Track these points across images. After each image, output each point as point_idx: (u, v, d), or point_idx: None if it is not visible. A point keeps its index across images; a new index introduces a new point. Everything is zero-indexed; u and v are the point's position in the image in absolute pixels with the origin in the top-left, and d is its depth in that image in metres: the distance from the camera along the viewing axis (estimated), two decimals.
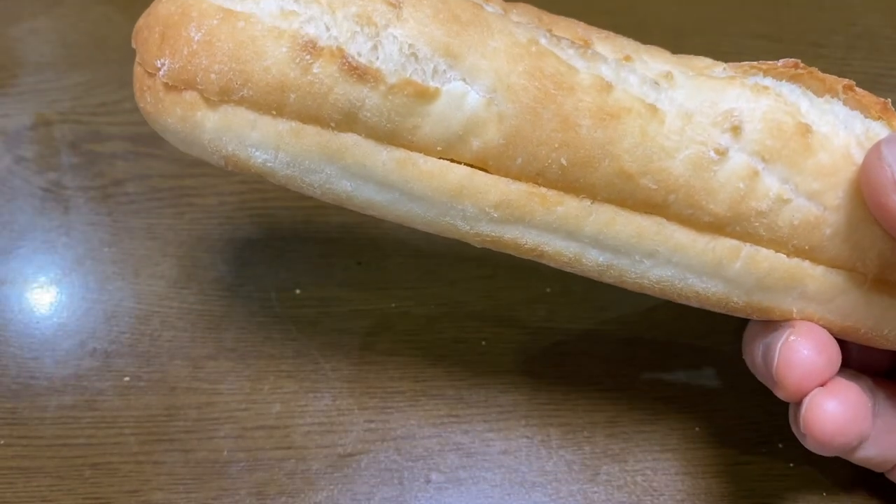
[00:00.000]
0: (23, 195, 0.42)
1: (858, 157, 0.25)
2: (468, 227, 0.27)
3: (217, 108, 0.25)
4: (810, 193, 0.25)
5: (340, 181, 0.26)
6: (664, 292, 0.28)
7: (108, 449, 0.33)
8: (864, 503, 0.32)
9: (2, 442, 0.34)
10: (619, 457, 0.33)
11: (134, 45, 0.27)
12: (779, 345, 0.26)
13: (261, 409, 0.35)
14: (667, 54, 0.28)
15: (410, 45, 0.24)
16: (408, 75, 0.24)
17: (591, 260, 0.27)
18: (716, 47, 0.45)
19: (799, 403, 0.26)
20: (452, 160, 0.26)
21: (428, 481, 0.33)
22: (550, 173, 0.25)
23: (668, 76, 0.26)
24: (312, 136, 0.25)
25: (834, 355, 0.26)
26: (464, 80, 0.25)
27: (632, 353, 0.36)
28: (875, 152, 0.24)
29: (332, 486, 0.33)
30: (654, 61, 0.27)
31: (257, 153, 0.26)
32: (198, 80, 0.25)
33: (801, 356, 0.26)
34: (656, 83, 0.26)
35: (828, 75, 0.27)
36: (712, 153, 0.25)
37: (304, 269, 0.38)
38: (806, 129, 0.25)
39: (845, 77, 0.27)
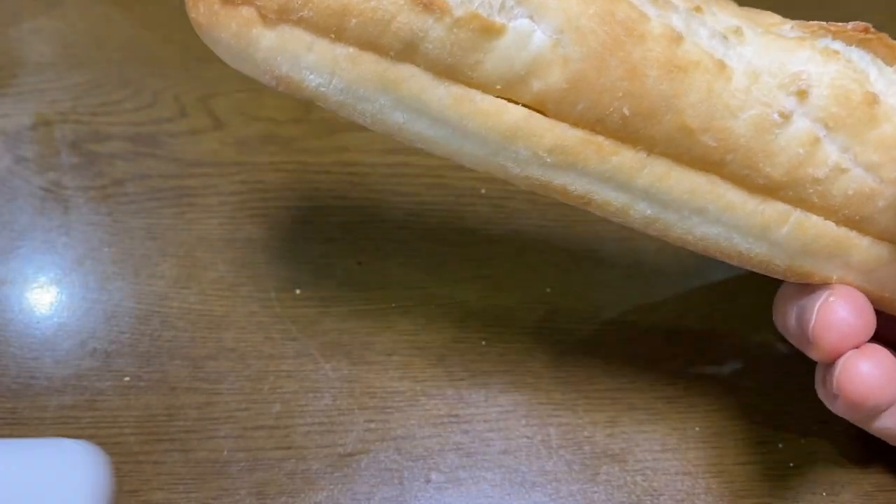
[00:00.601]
0: (23, 195, 0.42)
1: None
2: (518, 170, 0.26)
3: (274, 27, 0.24)
4: (869, 165, 0.25)
5: (393, 112, 0.25)
6: (706, 249, 0.27)
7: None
8: (864, 503, 0.32)
9: None
10: (619, 457, 0.33)
11: None
12: (817, 306, 0.26)
13: (261, 409, 0.35)
14: (735, 7, 0.27)
15: None
16: (474, 8, 0.23)
17: (639, 212, 0.26)
18: None
19: (830, 365, 0.26)
20: (511, 100, 0.25)
21: (428, 481, 0.33)
22: (610, 122, 0.25)
23: (738, 31, 0.25)
24: (370, 63, 0.24)
25: (870, 320, 0.26)
26: (531, 17, 0.24)
27: (632, 353, 0.36)
28: None
29: (332, 486, 0.33)
30: (723, 13, 0.26)
31: (311, 76, 0.25)
32: None
33: (839, 317, 0.26)
34: (725, 37, 0.25)
35: None
36: (776, 116, 0.24)
37: (304, 269, 0.38)
38: (873, 100, 0.24)
39: None
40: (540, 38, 0.24)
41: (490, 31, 0.24)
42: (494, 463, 0.33)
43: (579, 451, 0.33)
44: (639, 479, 0.32)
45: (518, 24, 0.24)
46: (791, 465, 0.33)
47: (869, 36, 0.26)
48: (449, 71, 0.24)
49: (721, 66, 0.24)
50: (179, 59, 0.48)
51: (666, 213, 0.26)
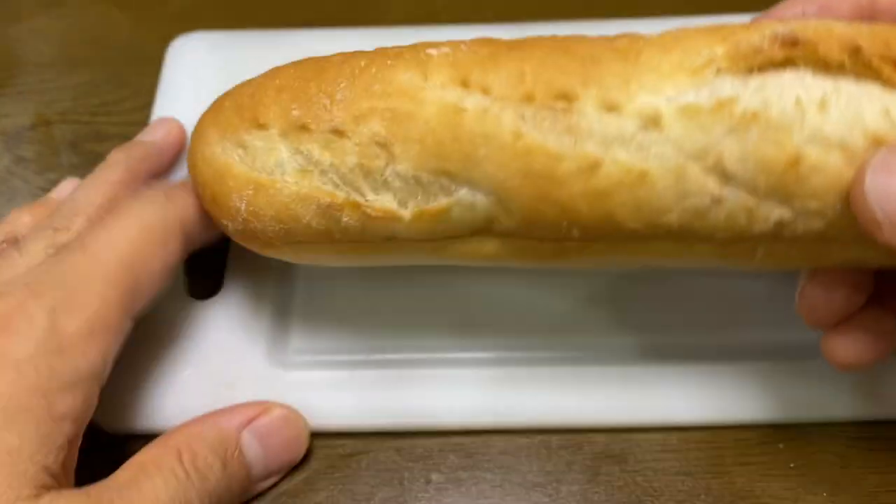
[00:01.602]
0: (22, 195, 0.42)
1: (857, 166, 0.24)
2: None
3: (284, 247, 0.31)
4: (809, 212, 0.25)
5: (392, 263, 0.33)
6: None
7: None
8: (865, 503, 0.32)
9: None
10: (620, 457, 0.33)
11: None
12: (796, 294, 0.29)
13: None
14: (660, 68, 0.26)
15: (413, 176, 0.27)
16: (419, 201, 0.28)
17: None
18: None
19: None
20: (483, 235, 0.29)
21: (428, 481, 0.33)
22: (569, 240, 0.28)
23: (657, 119, 0.25)
24: (366, 249, 0.30)
25: (844, 294, 0.28)
26: (468, 187, 0.27)
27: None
28: (858, 187, 0.24)
29: (332, 486, 0.33)
30: (644, 93, 0.26)
31: (329, 261, 0.33)
32: (258, 236, 0.30)
33: (813, 297, 0.29)
34: (645, 129, 0.25)
35: (829, 38, 0.25)
36: (708, 200, 0.26)
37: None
38: (796, 160, 0.24)
39: None
40: (482, 200, 0.27)
41: (440, 213, 0.28)
42: (494, 463, 0.33)
43: (579, 451, 0.33)
44: (639, 479, 0.32)
45: (461, 196, 0.27)
46: (791, 465, 0.33)
47: (796, 52, 0.25)
48: (427, 239, 0.29)
49: (641, 175, 0.25)
50: None
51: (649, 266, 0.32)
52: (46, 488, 0.25)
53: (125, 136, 0.44)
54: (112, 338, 0.28)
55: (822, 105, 0.24)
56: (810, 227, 0.25)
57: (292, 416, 0.33)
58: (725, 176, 0.25)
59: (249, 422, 0.31)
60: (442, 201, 0.28)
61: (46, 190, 0.42)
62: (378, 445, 0.34)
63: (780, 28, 0.25)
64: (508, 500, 0.32)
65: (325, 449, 0.34)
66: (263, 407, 0.32)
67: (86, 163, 0.43)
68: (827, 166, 0.24)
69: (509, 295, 0.37)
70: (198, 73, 0.43)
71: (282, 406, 0.33)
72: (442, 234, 0.29)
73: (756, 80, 0.25)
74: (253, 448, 0.31)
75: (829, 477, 0.32)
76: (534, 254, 0.29)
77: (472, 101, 0.27)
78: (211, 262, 0.37)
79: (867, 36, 0.25)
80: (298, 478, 0.33)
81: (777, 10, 0.30)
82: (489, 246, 0.29)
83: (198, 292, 0.37)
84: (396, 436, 0.34)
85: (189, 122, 0.35)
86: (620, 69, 0.26)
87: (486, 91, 0.27)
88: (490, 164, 0.26)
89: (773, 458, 0.33)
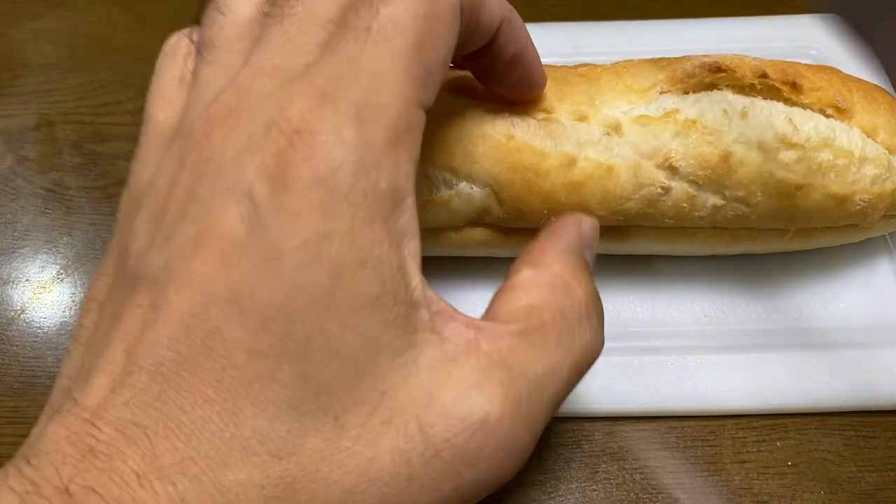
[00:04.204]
0: (25, 195, 0.43)
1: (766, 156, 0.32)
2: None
3: None
4: (737, 199, 0.33)
5: None
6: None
7: None
8: (863, 502, 0.32)
9: (5, 440, 0.34)
10: (618, 455, 0.33)
11: None
12: None
13: None
14: (615, 81, 0.34)
15: (423, 171, 0.32)
16: (424, 193, 0.32)
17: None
18: None
19: None
20: (475, 226, 0.34)
21: None
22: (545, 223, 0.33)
23: (617, 126, 0.32)
24: None
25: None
26: (467, 181, 0.32)
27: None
28: None
29: None
30: (605, 107, 0.33)
31: None
32: None
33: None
34: (608, 134, 0.32)
35: (743, 66, 0.32)
36: (659, 190, 0.32)
37: None
38: (727, 156, 0.32)
39: None
40: (478, 192, 0.32)
41: (442, 202, 0.33)
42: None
43: (578, 449, 0.33)
44: (637, 477, 0.33)
45: (460, 188, 0.32)
46: (789, 463, 0.33)
47: (719, 76, 0.32)
48: (426, 227, 0.33)
49: (609, 169, 0.32)
50: None
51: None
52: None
53: (127, 137, 0.45)
54: (416, 139, 0.23)
55: (744, 114, 0.32)
56: (738, 211, 0.33)
57: (593, 219, 0.27)
58: (672, 170, 0.32)
59: (583, 238, 0.27)
60: (445, 193, 0.32)
61: (49, 190, 0.43)
62: None
63: (706, 58, 0.33)
64: (508, 500, 0.32)
65: None
66: (578, 220, 0.27)
67: (88, 163, 0.44)
68: (749, 161, 0.32)
69: None
70: None
71: (579, 216, 0.27)
72: (442, 223, 0.33)
73: (692, 97, 0.33)
74: (591, 260, 0.27)
75: (826, 475, 0.32)
76: (518, 241, 0.33)
77: (472, 111, 0.32)
78: None
79: (770, 65, 0.33)
80: None
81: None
82: (481, 234, 0.34)
83: None
84: None
85: None
86: (586, 89, 0.33)
87: (482, 104, 0.32)
88: (487, 159, 0.32)
89: (771, 455, 0.33)
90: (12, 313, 0.38)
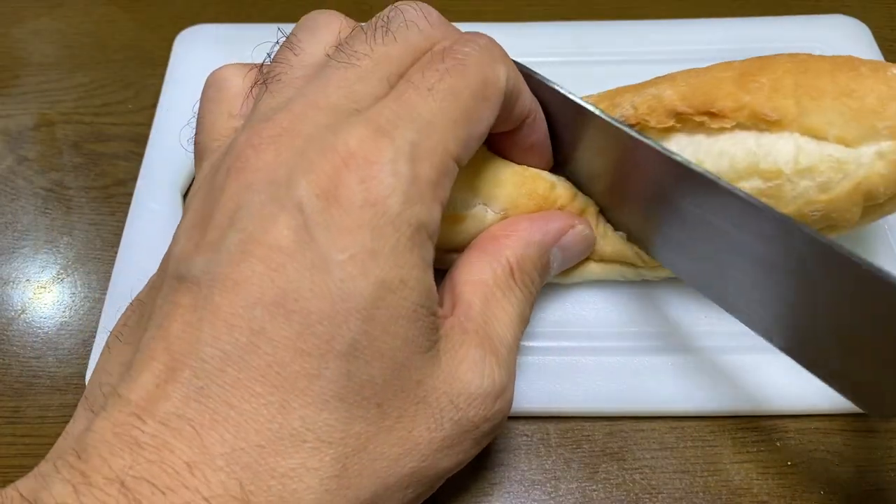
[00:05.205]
0: (25, 195, 0.43)
1: None
2: None
3: None
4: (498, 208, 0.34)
5: None
6: None
7: None
8: (862, 502, 0.32)
9: (5, 440, 0.34)
10: (618, 455, 0.33)
11: None
12: None
13: None
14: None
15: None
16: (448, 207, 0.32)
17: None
18: None
19: None
20: None
21: None
22: None
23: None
24: None
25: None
26: (484, 204, 0.33)
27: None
28: None
29: None
30: None
31: None
32: None
33: None
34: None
35: (658, 110, 0.33)
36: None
37: None
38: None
39: None
40: (492, 215, 0.33)
41: (457, 220, 0.33)
42: (494, 461, 0.33)
43: (578, 449, 0.33)
44: (637, 476, 0.33)
45: (476, 211, 0.33)
46: (789, 463, 0.33)
47: (642, 126, 0.33)
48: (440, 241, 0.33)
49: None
50: None
51: None
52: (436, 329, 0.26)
53: (128, 137, 0.45)
54: (449, 187, 0.26)
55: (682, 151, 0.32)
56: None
57: (588, 233, 0.34)
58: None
59: (561, 237, 0.32)
60: (462, 212, 0.33)
61: (49, 190, 0.43)
62: None
63: (624, 111, 0.34)
64: (507, 499, 0.32)
65: None
66: (572, 223, 0.33)
67: (88, 163, 0.44)
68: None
69: None
70: (205, 64, 0.43)
71: (582, 222, 0.34)
72: (453, 240, 0.33)
73: None
74: (557, 260, 0.33)
75: (825, 475, 0.32)
76: None
77: None
78: None
79: (689, 93, 0.32)
80: None
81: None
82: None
83: None
84: None
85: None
86: None
87: None
88: (508, 184, 0.33)
89: (770, 455, 0.33)
90: (12, 313, 0.38)
